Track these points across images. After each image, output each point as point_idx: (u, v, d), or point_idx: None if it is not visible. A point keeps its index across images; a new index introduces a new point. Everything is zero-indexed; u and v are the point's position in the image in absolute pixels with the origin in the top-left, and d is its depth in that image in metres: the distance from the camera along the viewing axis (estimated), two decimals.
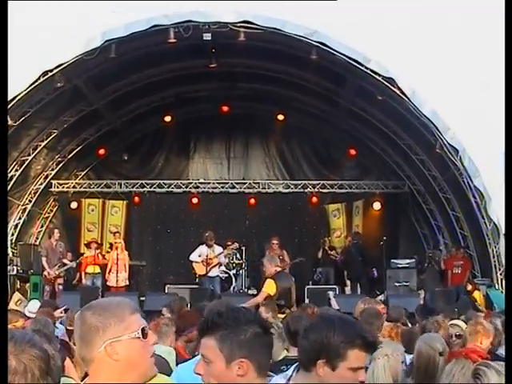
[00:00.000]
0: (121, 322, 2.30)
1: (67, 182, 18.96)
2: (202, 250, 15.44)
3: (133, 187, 18.84)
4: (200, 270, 15.54)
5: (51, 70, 13.75)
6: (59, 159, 18.42)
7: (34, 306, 9.66)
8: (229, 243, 16.03)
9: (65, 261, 16.17)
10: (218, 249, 15.55)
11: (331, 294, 10.08)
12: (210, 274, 15.41)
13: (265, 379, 2.46)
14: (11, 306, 10.93)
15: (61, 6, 13.11)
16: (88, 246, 16.52)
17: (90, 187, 19.09)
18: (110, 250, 16.67)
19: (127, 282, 16.00)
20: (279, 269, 9.78)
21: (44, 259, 15.88)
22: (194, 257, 15.71)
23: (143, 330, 2.32)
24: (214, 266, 15.41)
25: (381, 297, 14.94)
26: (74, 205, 18.77)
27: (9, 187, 15.57)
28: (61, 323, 8.12)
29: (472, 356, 3.04)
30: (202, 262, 15.33)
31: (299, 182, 18.73)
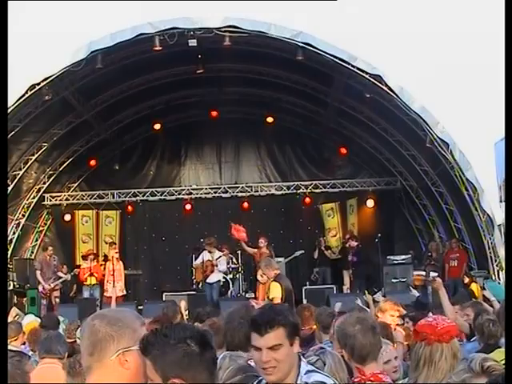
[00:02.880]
0: (134, 333, 2.36)
1: (60, 194, 18.94)
2: (204, 255, 15.41)
3: (125, 196, 18.83)
4: (198, 276, 15.54)
5: (38, 84, 13.75)
6: (51, 172, 18.40)
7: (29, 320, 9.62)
8: (223, 250, 15.96)
9: (59, 274, 16.15)
10: (217, 254, 15.49)
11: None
12: (208, 281, 15.30)
13: None
14: (9, 321, 10.86)
15: (61, 6, 13.03)
16: (85, 257, 16.46)
17: (82, 199, 19.06)
18: (104, 261, 16.60)
19: (124, 292, 15.94)
20: (277, 271, 9.71)
21: (38, 273, 15.82)
22: (195, 262, 15.75)
23: None
24: (210, 271, 15.31)
25: (379, 294, 14.90)
26: (67, 217, 18.74)
27: None
28: None
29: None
30: (199, 267, 15.33)
31: (292, 184, 18.73)
